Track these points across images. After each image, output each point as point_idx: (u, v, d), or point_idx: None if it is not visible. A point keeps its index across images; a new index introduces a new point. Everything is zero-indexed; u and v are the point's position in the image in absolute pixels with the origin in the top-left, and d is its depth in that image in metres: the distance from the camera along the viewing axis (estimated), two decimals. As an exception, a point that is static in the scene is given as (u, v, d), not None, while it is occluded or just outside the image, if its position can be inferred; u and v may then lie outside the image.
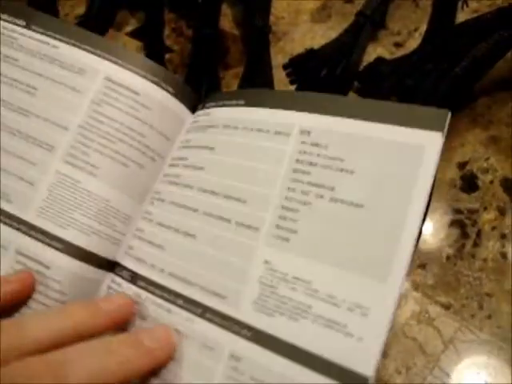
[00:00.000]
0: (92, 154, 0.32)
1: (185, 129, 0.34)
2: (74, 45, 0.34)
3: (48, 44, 0.34)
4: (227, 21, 0.47)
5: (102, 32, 0.47)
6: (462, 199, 0.33)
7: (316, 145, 0.28)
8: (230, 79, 0.43)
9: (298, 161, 0.28)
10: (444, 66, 0.34)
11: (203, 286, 0.28)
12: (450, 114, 0.25)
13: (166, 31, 0.47)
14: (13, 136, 0.33)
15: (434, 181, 0.25)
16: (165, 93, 0.34)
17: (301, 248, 0.26)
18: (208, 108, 0.34)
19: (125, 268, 0.31)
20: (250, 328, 0.26)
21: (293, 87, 0.39)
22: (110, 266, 0.31)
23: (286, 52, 0.44)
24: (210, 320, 0.27)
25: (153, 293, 0.29)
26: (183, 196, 0.31)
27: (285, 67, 0.38)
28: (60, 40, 0.34)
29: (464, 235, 0.32)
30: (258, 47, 0.41)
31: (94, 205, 0.31)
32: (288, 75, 0.38)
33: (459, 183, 0.34)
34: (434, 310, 0.30)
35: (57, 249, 0.30)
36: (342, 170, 0.27)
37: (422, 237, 0.32)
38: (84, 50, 0.34)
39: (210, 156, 0.31)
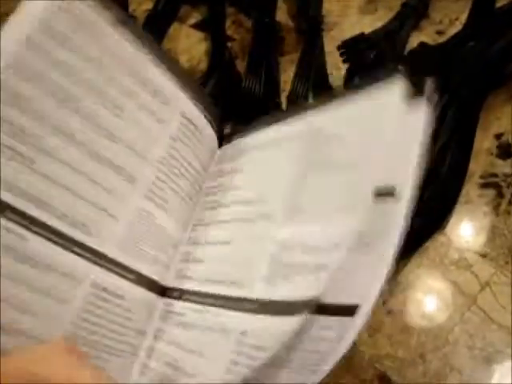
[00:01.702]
0: (167, 191, 0.33)
1: (214, 161, 0.38)
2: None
3: None
4: (282, 13, 0.52)
5: (166, 25, 0.52)
6: (497, 165, 0.37)
7: None
8: (286, 64, 0.47)
9: None
10: (483, 46, 0.38)
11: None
12: None
13: (227, 23, 0.52)
14: (97, 162, 0.31)
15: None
16: (206, 121, 0.36)
17: None
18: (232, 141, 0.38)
19: (174, 289, 0.34)
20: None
21: (345, 66, 0.43)
22: (163, 291, 0.33)
23: (336, 40, 0.47)
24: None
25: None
26: (221, 215, 0.35)
27: (339, 48, 0.43)
28: None
29: (499, 195, 0.36)
30: (312, 34, 0.46)
31: (161, 237, 0.33)
32: (341, 55, 0.42)
33: (495, 151, 0.38)
34: (473, 257, 0.34)
35: (131, 280, 0.31)
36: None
37: (461, 196, 0.36)
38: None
39: (242, 177, 0.35)
